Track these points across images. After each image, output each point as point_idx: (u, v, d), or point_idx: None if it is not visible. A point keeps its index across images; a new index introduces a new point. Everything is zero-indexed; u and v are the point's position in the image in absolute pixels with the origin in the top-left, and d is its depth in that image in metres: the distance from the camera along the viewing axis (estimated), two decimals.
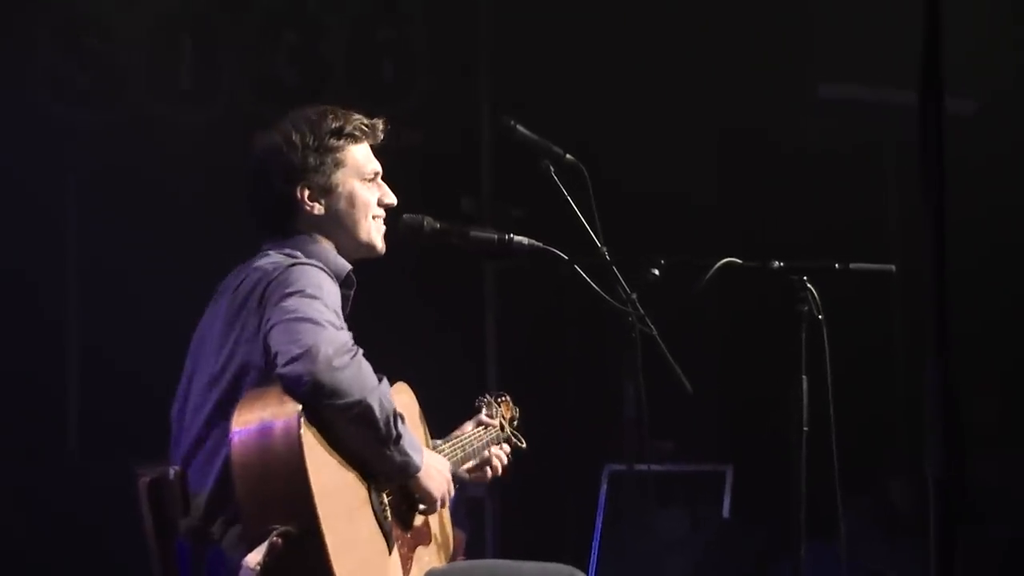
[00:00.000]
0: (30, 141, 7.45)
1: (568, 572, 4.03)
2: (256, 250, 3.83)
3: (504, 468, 4.37)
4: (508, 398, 4.56)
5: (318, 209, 3.86)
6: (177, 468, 3.59)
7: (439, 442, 4.13)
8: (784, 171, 7.59)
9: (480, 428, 4.36)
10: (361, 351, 3.53)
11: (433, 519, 3.98)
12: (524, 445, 4.50)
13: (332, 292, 3.64)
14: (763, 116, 7.59)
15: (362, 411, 3.47)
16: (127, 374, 7.21)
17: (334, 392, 3.42)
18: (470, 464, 4.25)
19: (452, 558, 4.11)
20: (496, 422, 4.42)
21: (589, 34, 7.71)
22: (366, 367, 3.52)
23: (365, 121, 3.94)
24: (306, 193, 3.85)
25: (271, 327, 3.50)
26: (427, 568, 3.91)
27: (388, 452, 3.58)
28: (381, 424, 3.51)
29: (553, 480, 7.45)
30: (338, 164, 3.88)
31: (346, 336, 3.51)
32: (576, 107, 7.46)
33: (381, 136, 3.98)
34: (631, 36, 7.66)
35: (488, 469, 4.33)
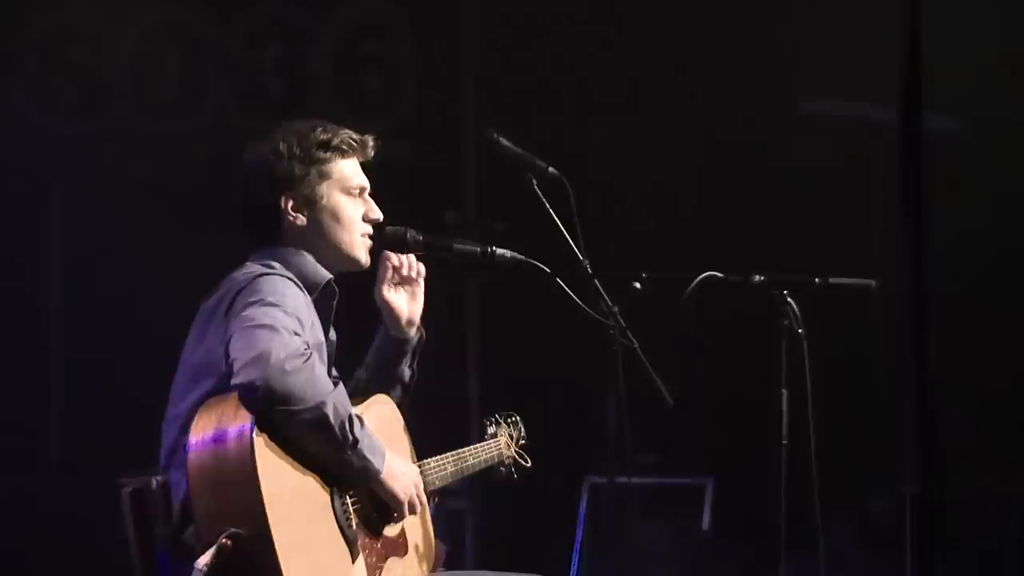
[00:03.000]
0: (15, 152, 7.44)
1: None
2: (243, 260, 3.85)
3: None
4: (517, 418, 4.55)
5: (301, 220, 3.88)
6: (160, 478, 3.61)
7: (429, 460, 4.12)
8: (767, 186, 7.61)
9: (479, 445, 4.36)
10: (315, 355, 3.55)
11: (413, 530, 3.97)
12: (528, 464, 4.49)
13: (295, 300, 3.65)
14: (747, 130, 7.61)
15: (316, 416, 3.49)
16: (110, 384, 7.21)
17: (286, 397, 3.44)
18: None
19: (433, 569, 4.11)
20: (500, 440, 4.42)
21: (574, 48, 7.73)
22: (320, 371, 3.54)
23: (354, 136, 3.95)
24: (290, 203, 3.87)
25: (230, 336, 3.53)
26: None
27: (345, 456, 3.59)
28: (336, 429, 3.52)
29: (533, 492, 7.45)
30: (323, 176, 3.89)
31: (299, 342, 3.51)
32: (560, 120, 7.48)
33: (371, 152, 3.99)
34: (616, 51, 7.68)
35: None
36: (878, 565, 6.67)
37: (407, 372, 4.19)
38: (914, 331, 2.39)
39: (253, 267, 3.77)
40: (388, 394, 4.14)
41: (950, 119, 7.06)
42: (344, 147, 3.93)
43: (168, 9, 7.84)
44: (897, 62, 2.48)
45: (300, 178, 3.87)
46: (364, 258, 3.98)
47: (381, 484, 3.72)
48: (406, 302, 4.15)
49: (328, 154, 3.90)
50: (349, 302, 4.00)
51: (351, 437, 3.56)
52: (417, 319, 4.17)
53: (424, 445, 4.17)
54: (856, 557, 6.77)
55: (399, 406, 4.15)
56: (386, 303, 4.12)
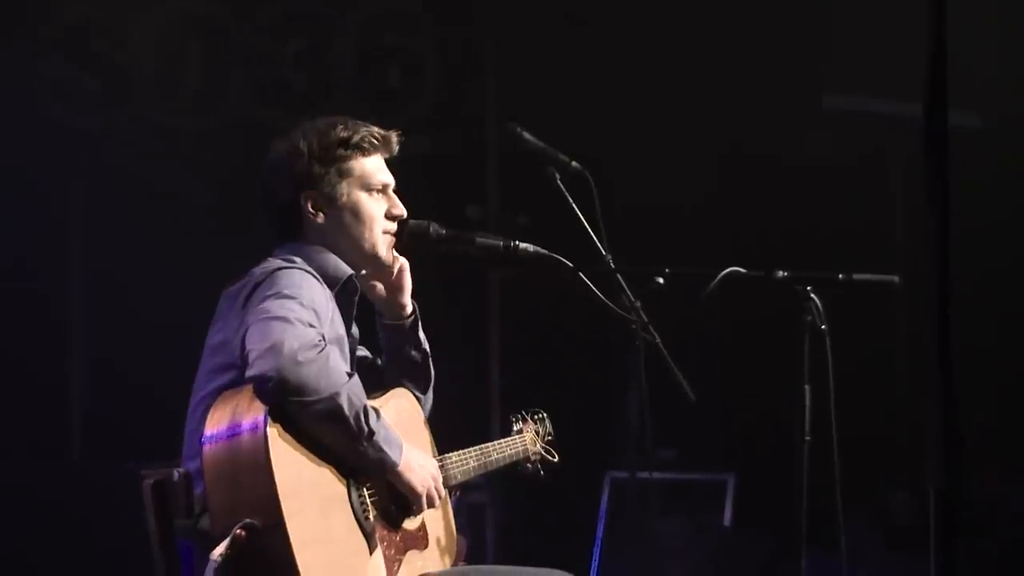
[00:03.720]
0: (36, 145, 7.46)
1: None
2: (267, 254, 3.86)
3: None
4: (544, 415, 4.53)
5: (321, 218, 3.88)
6: (182, 469, 3.61)
7: (451, 454, 4.11)
8: (789, 181, 7.59)
9: (503, 440, 4.34)
10: (331, 347, 3.55)
11: (434, 523, 3.97)
12: (556, 460, 4.47)
13: (313, 293, 3.66)
14: (768, 126, 7.59)
15: (329, 407, 3.49)
16: (131, 376, 7.24)
17: (299, 388, 3.44)
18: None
19: (455, 563, 4.10)
20: (526, 436, 4.40)
21: (595, 44, 7.72)
22: (334, 363, 3.54)
23: (376, 133, 3.94)
24: (310, 202, 3.87)
25: (246, 329, 3.55)
26: (419, 572, 3.90)
27: (361, 448, 3.58)
28: (351, 420, 3.52)
29: (555, 487, 7.45)
30: (343, 174, 3.88)
31: (314, 333, 3.52)
32: (582, 116, 7.47)
33: (396, 149, 3.98)
34: (637, 47, 7.67)
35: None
36: (899, 562, 6.65)
37: (415, 355, 4.16)
38: (937, 327, 2.39)
39: (274, 261, 3.78)
40: (412, 379, 4.14)
41: (972, 114, 7.04)
42: (365, 145, 3.92)
43: (189, 3, 7.85)
44: (919, 57, 2.47)
45: (320, 177, 3.86)
46: (386, 255, 3.97)
47: (398, 476, 3.71)
48: (383, 291, 4.09)
49: (348, 152, 3.89)
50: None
51: (366, 428, 3.56)
52: (402, 302, 4.10)
53: (445, 441, 4.17)
54: (877, 554, 6.76)
55: (426, 391, 4.16)
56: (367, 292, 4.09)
